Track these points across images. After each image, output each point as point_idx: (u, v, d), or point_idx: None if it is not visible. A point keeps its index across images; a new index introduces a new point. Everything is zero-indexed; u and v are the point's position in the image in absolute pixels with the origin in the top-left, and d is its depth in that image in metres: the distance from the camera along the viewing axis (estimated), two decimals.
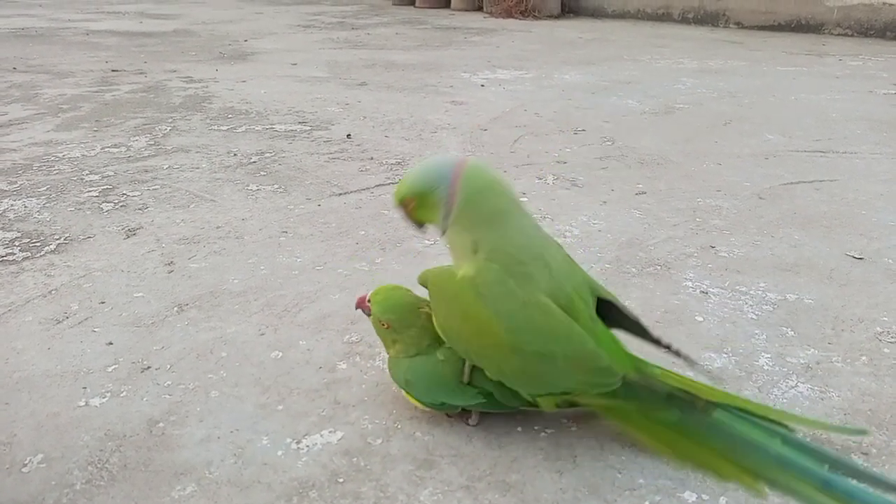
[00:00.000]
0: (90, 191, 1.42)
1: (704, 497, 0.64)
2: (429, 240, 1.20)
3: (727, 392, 0.75)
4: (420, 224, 0.71)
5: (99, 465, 0.68)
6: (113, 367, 0.83)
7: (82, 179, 1.48)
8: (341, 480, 0.66)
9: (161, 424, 0.74)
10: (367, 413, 0.76)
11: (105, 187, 1.44)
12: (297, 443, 0.71)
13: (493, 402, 0.71)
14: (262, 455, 0.69)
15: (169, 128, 1.93)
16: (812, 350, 0.87)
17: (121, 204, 1.35)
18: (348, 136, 1.84)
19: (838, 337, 0.90)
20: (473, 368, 0.71)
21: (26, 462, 0.68)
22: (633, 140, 1.82)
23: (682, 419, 0.66)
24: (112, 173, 1.53)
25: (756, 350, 0.87)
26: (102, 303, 0.98)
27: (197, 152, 1.70)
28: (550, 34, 4.11)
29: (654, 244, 1.18)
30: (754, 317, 0.95)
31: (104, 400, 0.77)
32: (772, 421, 0.70)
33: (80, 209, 1.32)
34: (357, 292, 0.98)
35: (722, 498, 0.64)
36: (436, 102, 2.26)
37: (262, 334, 0.90)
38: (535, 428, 0.73)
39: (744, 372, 0.83)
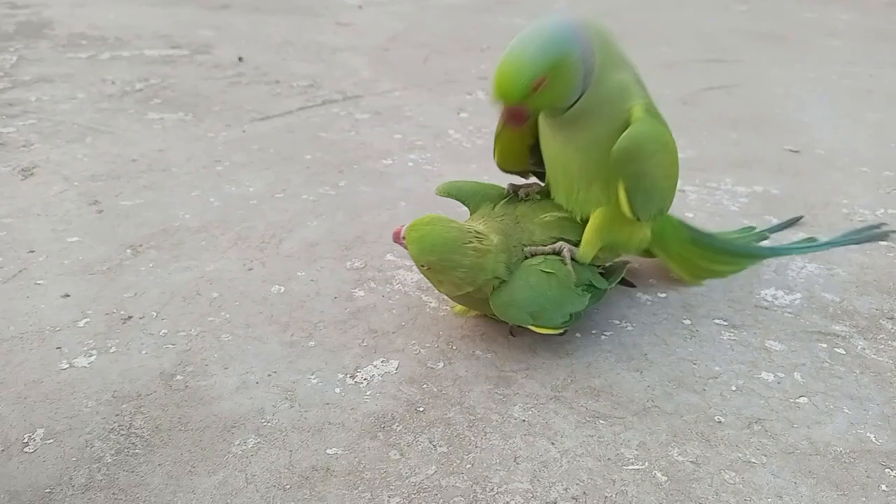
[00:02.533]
0: None
1: (780, 375, 0.65)
2: (387, 159, 1.11)
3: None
4: (534, 113, 0.61)
5: (123, 432, 0.55)
6: (84, 321, 0.68)
7: None
8: (422, 409, 0.59)
9: (179, 377, 0.62)
10: (412, 338, 0.68)
11: None
12: (352, 377, 0.63)
13: (594, 293, 0.67)
14: (317, 395, 0.60)
15: (15, 57, 1.62)
16: (801, 233, 0.91)
17: None
18: (240, 59, 1.66)
19: (816, 220, 0.95)
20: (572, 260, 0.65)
21: (25, 441, 0.54)
22: None
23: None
24: None
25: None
26: (32, 251, 0.80)
27: (63, 82, 1.45)
28: None
29: None
30: (736, 209, 0.97)
31: (91, 359, 0.63)
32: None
33: None
34: (331, 217, 0.89)
35: (796, 373, 0.65)
36: (319, 24, 2.09)
37: (250, 269, 0.79)
38: (594, 332, 0.70)
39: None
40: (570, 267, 0.64)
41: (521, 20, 2.24)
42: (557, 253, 0.66)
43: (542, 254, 0.65)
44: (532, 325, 0.63)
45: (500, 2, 2.57)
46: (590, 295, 0.66)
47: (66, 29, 1.93)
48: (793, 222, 0.93)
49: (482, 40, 1.94)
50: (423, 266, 0.62)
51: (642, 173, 0.61)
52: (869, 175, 1.09)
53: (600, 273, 0.69)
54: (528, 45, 0.56)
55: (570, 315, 0.65)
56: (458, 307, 0.71)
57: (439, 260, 0.60)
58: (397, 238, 0.63)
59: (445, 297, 0.74)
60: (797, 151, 1.19)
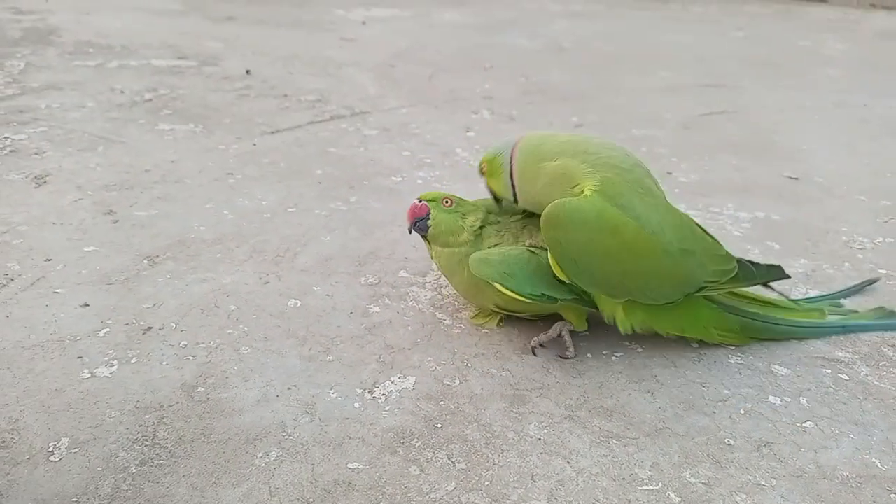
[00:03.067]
0: None
1: (787, 399, 0.66)
2: (397, 176, 1.12)
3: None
4: (496, 197, 0.74)
5: (147, 443, 0.56)
6: (104, 330, 0.69)
7: None
8: (440, 426, 0.60)
9: (200, 389, 0.63)
10: (427, 355, 0.69)
11: None
12: (370, 392, 0.64)
13: (585, 301, 0.69)
14: (337, 409, 0.61)
15: (22, 64, 1.63)
16: (803, 260, 0.93)
17: (10, 149, 1.12)
18: (248, 72, 1.67)
19: (817, 247, 0.97)
20: None
21: (50, 449, 0.55)
22: (544, 76, 1.83)
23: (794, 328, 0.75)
24: None
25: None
26: (49, 260, 0.81)
27: (72, 90, 1.46)
28: None
29: None
30: (739, 234, 1.00)
31: (113, 369, 0.64)
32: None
33: None
34: (344, 233, 0.91)
35: (802, 398, 0.67)
36: (325, 39, 2.11)
37: (267, 283, 0.80)
38: (605, 353, 0.72)
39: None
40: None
41: (524, 40, 2.27)
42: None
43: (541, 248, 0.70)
44: (500, 283, 0.67)
45: (502, 21, 2.61)
46: (576, 295, 0.68)
47: (73, 36, 1.94)
48: (867, 284, 0.85)
49: (486, 59, 1.97)
50: (446, 202, 0.73)
51: (559, 242, 0.64)
52: (867, 204, 1.12)
53: None
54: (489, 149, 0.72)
55: (543, 294, 0.67)
56: (477, 316, 0.75)
57: (458, 200, 0.74)
58: (415, 209, 0.72)
59: (459, 315, 0.76)
60: (797, 178, 1.22)
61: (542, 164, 0.67)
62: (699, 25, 2.82)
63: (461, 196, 0.75)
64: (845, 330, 0.77)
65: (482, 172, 0.73)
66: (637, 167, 0.67)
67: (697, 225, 0.71)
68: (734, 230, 1.01)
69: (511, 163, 0.69)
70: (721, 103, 1.66)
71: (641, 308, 0.68)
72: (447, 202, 0.72)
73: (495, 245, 0.71)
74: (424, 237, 0.73)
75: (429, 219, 0.71)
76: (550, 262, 0.66)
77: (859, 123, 1.56)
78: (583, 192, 0.64)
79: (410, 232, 0.73)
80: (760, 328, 0.74)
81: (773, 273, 0.74)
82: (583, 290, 0.68)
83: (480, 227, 0.72)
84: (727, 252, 0.69)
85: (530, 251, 0.69)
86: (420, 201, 0.72)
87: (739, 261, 0.71)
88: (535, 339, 0.71)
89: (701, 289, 0.68)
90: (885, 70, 2.12)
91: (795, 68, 2.08)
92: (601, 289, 0.67)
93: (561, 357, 0.70)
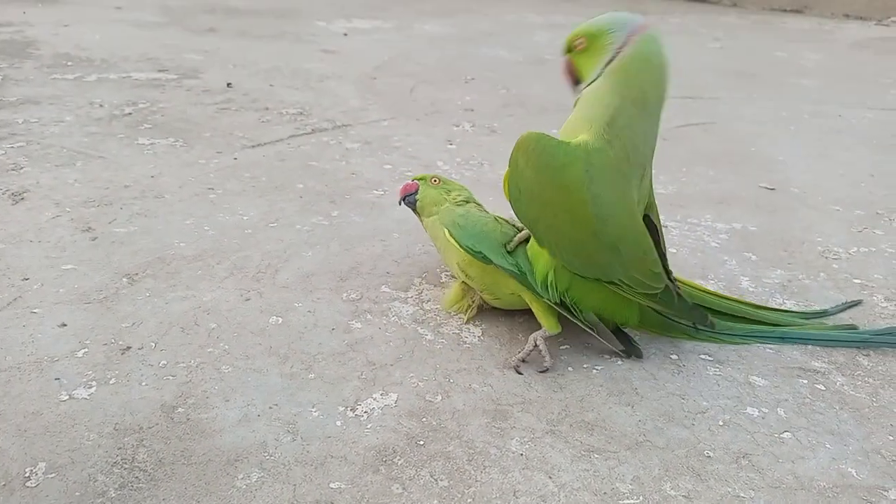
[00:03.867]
0: None
1: (764, 410, 0.67)
2: (378, 190, 1.13)
3: (736, 298, 0.83)
4: (576, 78, 0.67)
5: (127, 466, 0.56)
6: (82, 351, 0.69)
7: None
8: (422, 443, 0.60)
9: (180, 410, 0.62)
10: (409, 371, 0.70)
11: None
12: (352, 410, 0.64)
13: (522, 277, 0.71)
14: (319, 428, 0.61)
15: None
16: (779, 271, 0.94)
17: None
18: (229, 85, 1.67)
19: (793, 258, 0.98)
20: (518, 246, 0.72)
21: (27, 475, 0.54)
22: (524, 88, 1.84)
23: (692, 329, 0.76)
24: None
25: (734, 274, 0.93)
26: (26, 279, 0.80)
27: (50, 104, 1.45)
28: None
29: None
30: (716, 245, 1.01)
31: (91, 390, 0.64)
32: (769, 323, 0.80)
33: None
34: (326, 248, 0.91)
35: (779, 408, 0.68)
36: (306, 51, 2.12)
37: (248, 300, 0.80)
38: (585, 366, 0.72)
39: (736, 294, 0.88)
40: (515, 238, 0.72)
41: (504, 52, 2.29)
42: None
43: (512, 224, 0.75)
44: (448, 230, 0.73)
45: (482, 33, 2.63)
46: (519, 273, 0.70)
47: (51, 49, 1.93)
48: (851, 306, 0.85)
49: (466, 72, 1.98)
50: (433, 180, 0.81)
51: (517, 165, 0.65)
52: (842, 214, 1.14)
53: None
54: (595, 18, 0.64)
55: (482, 252, 0.71)
56: (449, 300, 0.79)
57: (444, 178, 0.81)
58: (408, 187, 0.81)
59: (441, 330, 0.76)
60: (773, 189, 1.24)
61: (614, 78, 0.63)
62: (677, 37, 2.86)
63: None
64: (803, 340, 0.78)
65: (574, 48, 0.65)
66: (646, 153, 0.66)
67: (658, 242, 0.71)
68: (711, 241, 1.02)
69: (621, 50, 0.62)
70: (698, 115, 1.68)
71: (568, 275, 0.69)
72: (435, 180, 0.80)
73: None
74: (415, 211, 0.81)
75: (417, 194, 0.79)
76: (503, 181, 0.70)
77: (834, 134, 1.59)
78: (577, 138, 0.63)
79: (400, 204, 0.82)
80: (690, 331, 0.77)
81: (694, 316, 0.73)
82: (519, 269, 0.70)
83: (465, 202, 0.79)
84: (661, 273, 0.68)
85: (496, 220, 0.75)
86: (412, 180, 0.81)
87: (668, 289, 0.70)
88: (514, 357, 0.71)
89: (611, 283, 0.68)
90: (858, 80, 2.16)
91: (771, 79, 2.11)
92: (526, 223, 0.69)
93: (539, 371, 0.71)
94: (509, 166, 0.67)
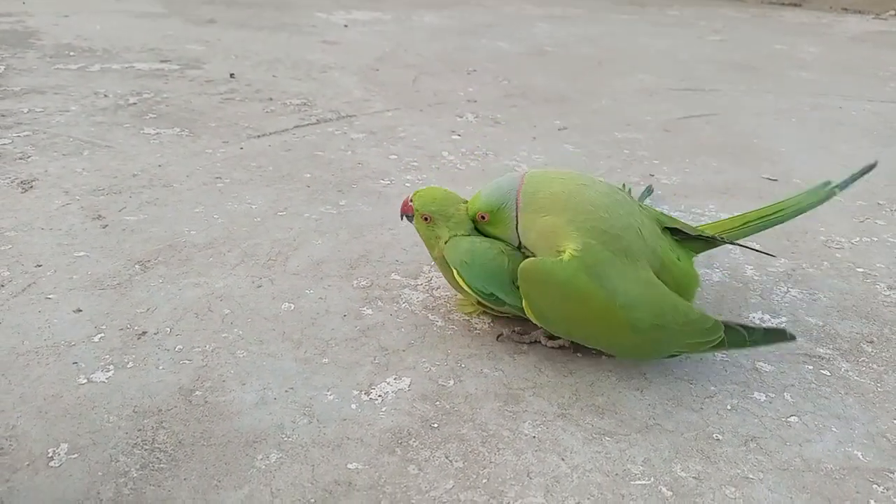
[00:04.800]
0: None
1: (771, 395, 0.68)
2: (385, 180, 1.13)
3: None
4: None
5: (147, 447, 0.57)
6: (98, 336, 0.69)
7: None
8: (436, 425, 0.61)
9: (198, 393, 0.63)
10: (422, 356, 0.71)
11: None
12: (367, 394, 0.65)
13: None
14: (334, 411, 0.62)
15: (2, 67, 1.62)
16: (783, 260, 0.95)
17: None
18: (232, 75, 1.67)
19: (797, 247, 1.00)
20: None
21: (50, 455, 0.55)
22: (526, 79, 1.85)
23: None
24: None
25: (739, 264, 0.94)
26: (39, 265, 0.81)
27: (55, 94, 1.45)
28: None
29: (602, 174, 1.21)
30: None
31: (109, 374, 0.64)
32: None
33: None
34: (335, 236, 0.92)
35: (785, 393, 0.69)
36: (307, 42, 2.12)
37: (259, 286, 0.80)
38: (594, 352, 0.73)
39: (741, 283, 0.89)
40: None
41: (504, 44, 2.29)
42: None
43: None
44: (457, 270, 0.70)
45: (482, 24, 2.63)
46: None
47: (53, 39, 1.93)
48: (866, 171, 0.86)
49: (468, 63, 1.99)
50: (424, 218, 0.73)
51: (530, 296, 0.66)
52: (843, 204, 1.15)
53: None
54: (485, 189, 0.71)
55: (492, 294, 0.70)
56: (462, 303, 0.78)
57: (438, 209, 0.72)
58: (406, 206, 0.74)
59: (451, 317, 0.77)
60: (775, 180, 1.25)
61: (534, 216, 0.67)
62: (676, 29, 2.86)
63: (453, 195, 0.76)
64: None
65: (479, 219, 0.71)
66: (629, 229, 0.66)
67: (688, 259, 0.73)
68: None
69: (517, 213, 0.68)
70: (700, 106, 1.69)
71: None
72: (426, 218, 0.73)
73: None
74: None
75: (413, 218, 0.75)
76: (525, 307, 0.68)
77: (835, 125, 1.60)
78: (562, 254, 0.64)
79: (402, 218, 0.77)
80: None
81: (772, 337, 0.70)
82: None
83: (465, 234, 0.73)
84: (714, 322, 0.67)
85: (501, 251, 0.70)
86: (411, 200, 0.74)
87: (730, 326, 0.69)
88: (514, 332, 0.73)
89: (672, 356, 0.69)
90: (857, 73, 2.17)
91: (771, 71, 2.12)
92: (568, 337, 0.70)
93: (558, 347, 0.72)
94: (525, 300, 0.67)
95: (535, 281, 0.65)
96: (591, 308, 0.64)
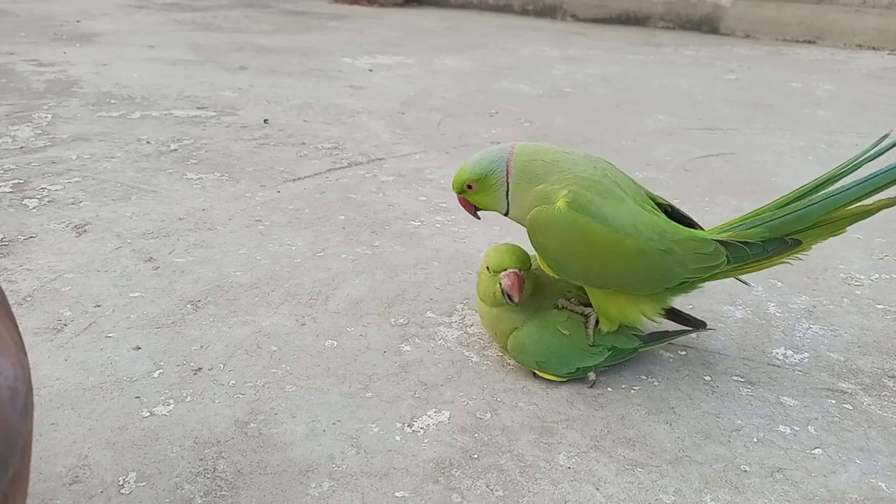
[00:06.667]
0: None
1: (796, 428, 0.71)
2: (415, 221, 1.18)
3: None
4: (475, 210, 0.79)
5: (209, 476, 0.61)
6: (157, 371, 0.74)
7: None
8: (476, 456, 0.65)
9: (252, 425, 0.67)
10: (459, 391, 0.74)
11: (16, 181, 1.25)
12: (409, 426, 0.69)
13: (616, 352, 0.76)
14: (380, 442, 0.66)
15: (49, 115, 1.70)
16: (804, 297, 0.99)
17: (47, 199, 1.18)
18: (265, 121, 1.75)
19: (817, 284, 1.03)
20: (595, 327, 0.75)
21: (120, 483, 0.60)
22: (547, 121, 1.91)
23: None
24: (13, 166, 1.33)
25: (762, 301, 0.97)
26: (98, 306, 0.86)
27: (100, 140, 1.53)
28: (405, 21, 4.13)
29: None
30: None
31: (170, 407, 0.69)
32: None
33: None
34: (371, 276, 0.96)
35: (809, 426, 0.72)
36: (335, 87, 2.20)
37: (303, 325, 0.85)
38: (623, 387, 0.77)
39: (763, 320, 0.92)
40: (590, 331, 0.73)
41: (524, 86, 2.36)
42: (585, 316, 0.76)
43: (571, 310, 0.76)
44: (537, 370, 0.75)
45: (502, 67, 2.71)
46: (609, 353, 0.75)
47: (94, 87, 2.02)
48: (883, 144, 0.80)
49: (490, 105, 2.05)
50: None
51: (542, 245, 0.72)
52: (863, 242, 1.18)
53: (638, 334, 0.77)
54: (470, 160, 0.75)
55: (578, 369, 0.74)
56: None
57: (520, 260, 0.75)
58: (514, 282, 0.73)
59: (485, 353, 0.81)
60: None
61: (528, 184, 0.72)
62: (692, 69, 2.93)
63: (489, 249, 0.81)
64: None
65: (467, 188, 0.75)
66: (605, 178, 0.72)
67: (685, 223, 0.77)
68: None
69: (508, 179, 0.73)
70: (718, 145, 1.74)
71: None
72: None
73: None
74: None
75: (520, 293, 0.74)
76: (539, 261, 0.75)
77: None
78: (556, 205, 0.70)
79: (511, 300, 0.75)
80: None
81: (771, 246, 0.74)
82: (609, 350, 0.76)
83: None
84: (715, 245, 0.73)
85: (560, 331, 0.75)
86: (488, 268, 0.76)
87: (731, 245, 0.73)
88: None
89: (682, 283, 0.74)
90: (873, 109, 2.20)
91: (787, 109, 2.17)
92: (585, 282, 0.74)
93: (587, 386, 0.76)
94: (535, 248, 0.73)
95: (543, 228, 0.70)
96: (597, 244, 0.69)
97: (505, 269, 0.73)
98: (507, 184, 0.73)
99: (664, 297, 0.77)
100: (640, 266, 0.70)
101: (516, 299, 0.73)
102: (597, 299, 0.75)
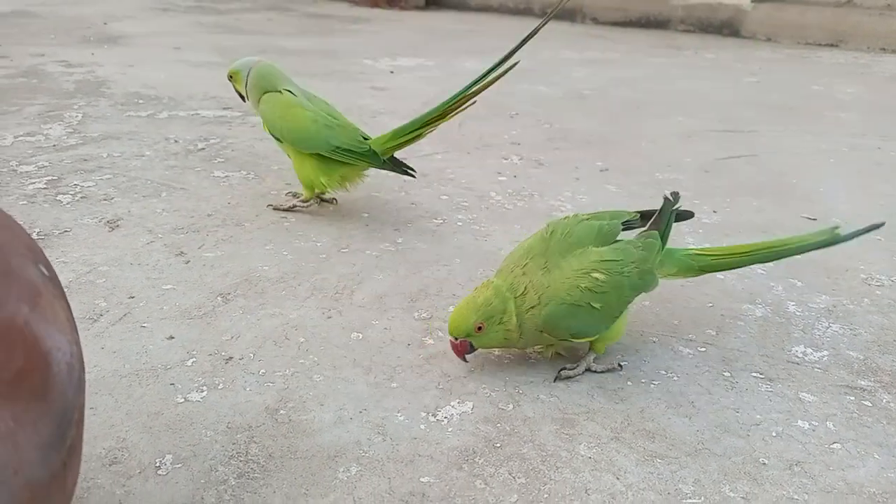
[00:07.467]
0: (34, 182, 1.26)
1: (815, 423, 0.72)
2: (437, 219, 1.20)
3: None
4: (241, 94, 1.20)
5: (242, 459, 0.63)
6: (191, 360, 0.77)
7: (16, 171, 1.31)
8: (498, 445, 0.67)
9: (282, 412, 0.70)
10: (481, 383, 0.76)
11: (50, 178, 1.29)
12: (434, 416, 0.71)
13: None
14: (405, 430, 0.68)
15: (80, 115, 1.74)
16: (824, 296, 0.99)
17: (80, 195, 1.21)
18: None
19: (837, 284, 1.03)
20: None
21: (157, 465, 0.62)
22: (567, 122, 1.92)
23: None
24: (47, 163, 1.37)
25: (781, 300, 0.98)
26: (132, 297, 0.89)
27: (129, 139, 1.56)
28: (425, 25, 4.16)
29: None
30: (763, 272, 1.06)
31: (203, 394, 0.72)
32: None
33: (33, 202, 1.17)
34: (394, 272, 0.98)
35: (828, 422, 0.73)
36: (358, 88, 2.23)
37: (329, 317, 0.87)
38: (643, 381, 0.78)
39: (783, 319, 0.93)
40: (590, 360, 0.80)
41: (544, 88, 2.38)
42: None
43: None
44: (571, 339, 0.78)
45: (521, 69, 2.72)
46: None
47: (122, 88, 2.06)
48: (873, 228, 0.91)
49: (510, 107, 2.07)
50: (478, 329, 0.74)
51: (264, 111, 1.17)
52: (883, 243, 1.18)
53: None
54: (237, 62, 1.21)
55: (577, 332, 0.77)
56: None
57: (482, 316, 0.74)
58: (459, 347, 0.76)
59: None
60: (814, 219, 1.29)
61: (259, 92, 1.16)
62: (712, 72, 2.92)
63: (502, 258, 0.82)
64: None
65: (230, 78, 1.20)
66: (303, 94, 1.17)
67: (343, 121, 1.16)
68: (758, 268, 1.07)
69: (247, 80, 1.16)
70: (738, 147, 1.74)
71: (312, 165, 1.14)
72: (479, 328, 0.74)
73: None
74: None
75: (474, 350, 0.76)
76: (262, 124, 1.17)
77: (874, 166, 1.63)
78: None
79: (466, 360, 0.78)
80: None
81: (389, 165, 1.16)
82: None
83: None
84: (363, 138, 1.14)
85: (592, 305, 0.75)
86: (456, 339, 0.75)
87: (375, 153, 1.13)
88: (564, 371, 0.79)
89: (336, 149, 1.11)
90: None
91: (809, 112, 2.16)
92: (284, 139, 1.13)
93: (610, 369, 0.79)
94: (261, 115, 1.16)
95: (266, 100, 1.16)
96: (291, 110, 1.14)
97: (453, 337, 0.74)
98: (246, 84, 1.17)
99: (335, 170, 1.13)
100: (312, 130, 1.11)
101: (465, 361, 0.77)
102: (296, 164, 1.15)
